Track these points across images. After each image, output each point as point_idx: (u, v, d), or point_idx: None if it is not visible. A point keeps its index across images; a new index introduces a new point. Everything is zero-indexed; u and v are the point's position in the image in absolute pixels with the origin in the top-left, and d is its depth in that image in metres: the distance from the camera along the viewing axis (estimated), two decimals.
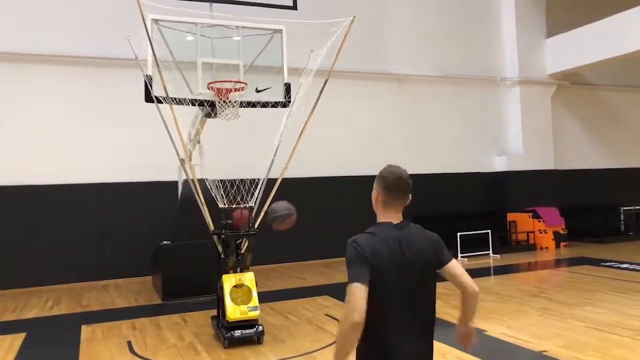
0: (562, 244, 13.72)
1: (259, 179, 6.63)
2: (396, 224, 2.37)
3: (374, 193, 2.46)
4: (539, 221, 13.68)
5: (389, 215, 2.40)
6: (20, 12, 10.59)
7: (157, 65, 6.01)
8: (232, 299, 6.02)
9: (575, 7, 15.36)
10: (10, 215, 10.27)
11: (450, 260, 2.43)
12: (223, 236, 6.27)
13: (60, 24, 10.72)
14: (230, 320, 5.95)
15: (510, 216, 14.17)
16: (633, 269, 10.08)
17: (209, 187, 6.42)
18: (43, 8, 10.69)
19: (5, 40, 10.35)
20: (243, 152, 9.46)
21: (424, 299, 2.35)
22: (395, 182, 2.40)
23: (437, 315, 2.42)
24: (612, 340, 5.72)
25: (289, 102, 6.89)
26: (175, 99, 6.20)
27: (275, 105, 6.91)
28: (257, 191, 6.51)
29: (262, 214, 6.58)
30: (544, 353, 5.38)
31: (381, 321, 2.23)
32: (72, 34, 10.76)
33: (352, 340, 2.17)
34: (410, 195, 2.43)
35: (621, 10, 12.73)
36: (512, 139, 15.15)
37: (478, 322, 6.56)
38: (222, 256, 6.34)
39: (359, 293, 2.16)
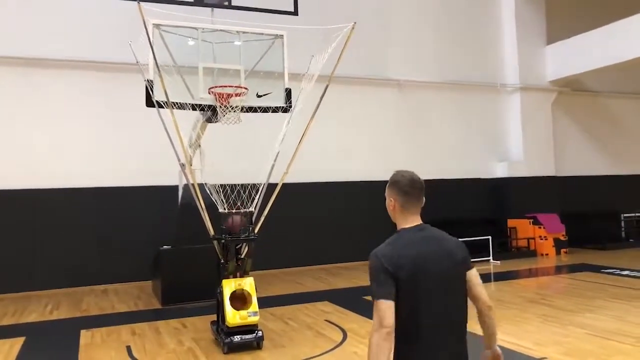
0: (562, 250, 13.69)
1: (259, 184, 6.63)
2: (417, 225, 2.36)
3: (389, 202, 2.42)
4: (540, 227, 13.66)
5: (409, 220, 2.38)
6: (22, 17, 10.62)
7: (159, 69, 6.02)
8: (232, 304, 6.00)
9: (575, 15, 15.40)
10: (10, 219, 10.26)
11: (473, 266, 2.43)
12: (223, 241, 6.26)
13: (62, 29, 10.75)
14: (229, 326, 5.93)
15: (511, 222, 14.15)
16: (634, 276, 10.06)
17: (209, 192, 6.42)
18: (45, 13, 10.72)
19: (8, 45, 10.38)
20: (244, 157, 9.45)
21: (456, 302, 2.33)
22: (409, 184, 2.38)
23: None
24: (613, 347, 5.70)
25: (290, 107, 6.90)
26: (176, 103, 6.21)
27: (276, 110, 6.92)
28: (257, 196, 6.51)
29: (262, 219, 6.59)
30: None
31: (416, 327, 2.22)
32: (74, 39, 10.79)
33: (385, 350, 2.13)
34: (424, 198, 2.42)
35: (622, 18, 12.76)
36: (513, 145, 15.15)
37: (478, 328, 6.55)
38: (222, 261, 6.33)
39: (386, 309, 2.16)
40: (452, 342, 2.31)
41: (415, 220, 2.38)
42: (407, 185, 2.38)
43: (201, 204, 6.32)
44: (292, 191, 9.22)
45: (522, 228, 13.92)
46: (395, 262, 2.20)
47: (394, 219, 2.45)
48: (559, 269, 11.83)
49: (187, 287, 8.51)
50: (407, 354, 2.24)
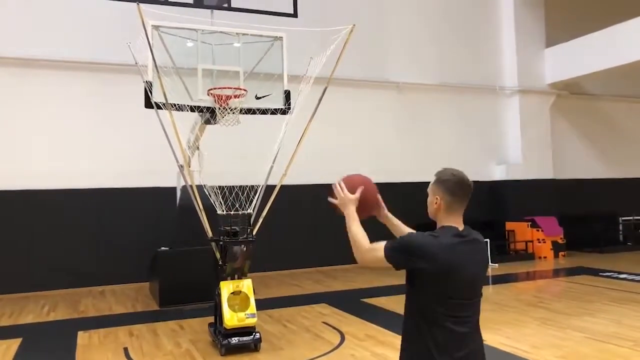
0: (560, 253, 13.70)
1: (257, 186, 6.63)
2: (462, 230, 2.34)
3: (432, 199, 2.37)
4: (538, 230, 13.67)
5: (451, 221, 2.35)
6: (21, 17, 10.62)
7: (157, 71, 6.02)
8: (230, 306, 6.00)
9: (574, 18, 15.42)
10: (8, 219, 10.25)
11: None
12: (221, 243, 6.25)
13: (61, 30, 10.75)
14: (227, 327, 5.92)
15: (509, 225, 14.16)
16: (632, 280, 10.06)
17: (207, 193, 6.41)
18: (43, 13, 10.72)
19: (7, 46, 10.38)
20: (242, 158, 9.46)
21: (479, 302, 2.36)
22: (459, 184, 2.34)
23: None
24: (611, 350, 5.70)
25: (289, 109, 6.90)
26: (175, 105, 6.20)
27: (274, 112, 6.92)
28: (255, 198, 6.51)
29: (261, 220, 6.59)
30: None
31: (452, 322, 2.22)
32: (72, 40, 10.79)
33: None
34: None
35: (621, 21, 12.80)
36: (511, 148, 15.17)
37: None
38: (220, 263, 6.32)
39: (381, 259, 2.24)
40: (477, 338, 2.34)
41: (460, 223, 2.36)
42: (455, 185, 2.34)
43: (199, 206, 6.32)
44: (290, 193, 9.21)
45: (520, 231, 13.93)
46: (427, 253, 2.19)
47: (434, 217, 2.41)
48: (557, 272, 11.84)
49: (185, 289, 8.50)
50: (443, 341, 2.22)
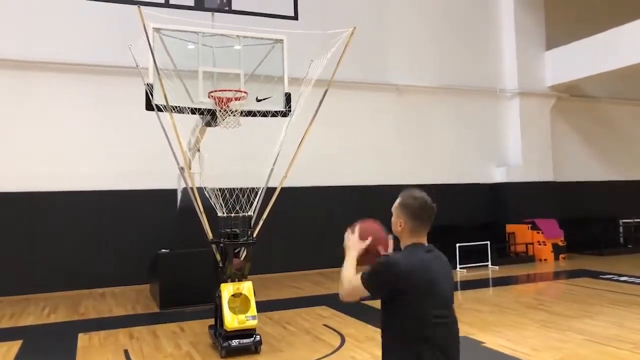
0: (561, 256, 13.70)
1: (258, 188, 6.63)
2: (427, 246, 2.42)
3: (396, 222, 2.44)
4: (538, 233, 13.66)
5: (417, 239, 2.42)
6: (21, 19, 10.64)
7: (158, 73, 6.03)
8: (230, 308, 6.00)
9: (575, 21, 15.44)
10: (8, 221, 10.26)
11: None
12: (222, 245, 6.26)
13: (61, 32, 10.77)
14: (228, 330, 5.92)
15: (509, 227, 14.15)
16: (632, 282, 10.06)
17: (208, 195, 6.42)
18: (44, 15, 10.74)
19: (7, 48, 10.39)
20: (243, 161, 9.47)
21: (454, 314, 2.44)
22: (421, 208, 2.41)
23: None
24: (611, 353, 5.70)
25: (289, 111, 6.91)
26: (175, 107, 6.22)
27: (275, 114, 6.93)
28: (256, 200, 6.51)
29: (261, 222, 6.59)
30: None
31: (427, 339, 2.29)
32: (73, 42, 10.81)
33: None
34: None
35: (620, 24, 12.81)
36: (512, 150, 15.18)
37: (476, 333, 6.55)
38: (221, 265, 6.33)
39: (362, 290, 2.33)
40: (456, 347, 2.45)
41: (423, 240, 2.43)
42: (417, 209, 2.40)
43: (200, 208, 6.32)
44: (290, 195, 9.21)
45: (521, 233, 13.92)
46: (408, 272, 2.27)
47: (399, 237, 2.48)
48: (557, 275, 11.83)
49: (185, 291, 8.50)
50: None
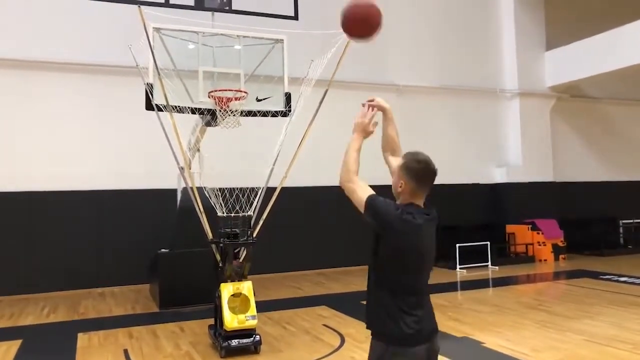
0: (561, 256, 13.70)
1: (258, 188, 6.63)
2: (425, 209, 2.52)
3: (397, 182, 2.52)
4: (538, 233, 13.66)
5: (415, 200, 2.52)
6: (21, 19, 10.64)
7: (158, 73, 6.03)
8: (230, 308, 5.99)
9: (575, 21, 15.44)
10: (7, 221, 10.25)
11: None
12: (221, 245, 6.25)
13: (61, 32, 10.76)
14: (227, 329, 5.92)
15: (509, 228, 14.14)
16: (632, 283, 10.06)
17: (208, 195, 6.42)
18: (44, 15, 10.74)
19: (8, 47, 10.39)
20: (243, 160, 9.47)
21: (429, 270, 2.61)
22: (424, 171, 2.49)
23: None
24: (611, 353, 5.70)
25: (289, 111, 6.91)
26: (175, 107, 6.21)
27: (275, 114, 6.93)
28: (256, 200, 6.51)
29: (261, 223, 6.59)
30: None
31: (411, 286, 2.48)
32: (73, 42, 10.80)
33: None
34: None
35: (620, 24, 12.81)
36: (512, 150, 15.18)
37: (476, 334, 6.55)
38: (220, 265, 6.32)
39: (358, 202, 2.48)
40: (427, 301, 2.58)
41: (420, 202, 2.52)
42: (420, 173, 2.48)
43: (200, 208, 6.32)
44: (290, 195, 9.21)
45: (521, 234, 13.92)
46: (400, 221, 2.40)
47: (397, 196, 2.56)
48: (557, 275, 11.83)
49: (185, 291, 8.50)
50: (401, 307, 2.46)
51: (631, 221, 15.78)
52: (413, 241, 2.42)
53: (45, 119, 10.67)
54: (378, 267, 2.50)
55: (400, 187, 2.49)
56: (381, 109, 2.86)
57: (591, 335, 6.40)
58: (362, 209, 2.46)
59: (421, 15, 14.23)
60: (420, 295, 2.51)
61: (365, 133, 2.70)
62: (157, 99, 6.21)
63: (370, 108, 2.71)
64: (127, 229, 10.91)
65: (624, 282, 10.19)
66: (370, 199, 2.44)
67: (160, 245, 9.11)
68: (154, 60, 6.13)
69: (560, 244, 13.78)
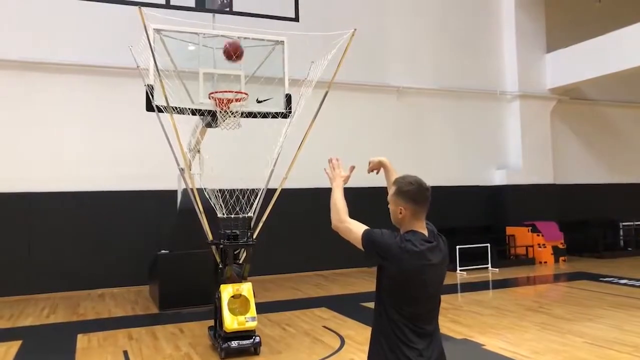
0: (561, 258, 13.69)
1: (258, 189, 6.63)
2: (427, 235, 2.46)
3: (396, 209, 2.47)
4: (538, 235, 13.66)
5: (417, 226, 2.46)
6: (22, 21, 10.64)
7: (159, 74, 6.03)
8: (230, 309, 5.99)
9: (575, 23, 15.45)
10: (8, 222, 10.25)
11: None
12: (221, 246, 6.25)
13: (61, 33, 10.77)
14: (227, 331, 5.92)
15: (510, 230, 14.14)
16: (632, 285, 10.05)
17: (208, 196, 6.42)
18: (44, 17, 10.74)
19: (8, 49, 10.39)
20: (243, 162, 9.47)
21: (438, 299, 2.53)
22: (419, 192, 2.45)
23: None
24: (611, 356, 5.69)
25: (290, 113, 6.91)
26: (176, 108, 6.21)
27: (275, 115, 6.93)
28: (256, 201, 6.51)
29: (261, 224, 6.59)
30: None
31: (413, 317, 2.39)
32: (73, 43, 10.81)
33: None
34: None
35: (620, 27, 12.82)
36: (512, 153, 15.18)
37: (476, 336, 6.54)
38: (220, 266, 6.32)
39: (355, 240, 2.45)
40: (432, 333, 2.47)
41: (422, 227, 2.47)
42: (416, 194, 2.44)
43: (200, 209, 6.32)
44: (290, 196, 9.21)
45: (521, 236, 13.92)
46: (398, 249, 2.35)
47: (398, 224, 2.51)
48: (557, 277, 11.82)
49: (184, 292, 8.49)
50: (404, 346, 2.39)
51: (631, 223, 15.76)
52: (413, 268, 2.35)
53: (45, 120, 10.66)
54: (381, 298, 2.45)
55: (401, 213, 2.44)
56: (378, 166, 2.94)
57: (591, 338, 6.39)
58: (360, 245, 2.43)
59: (422, 18, 14.24)
60: (423, 327, 2.41)
61: (342, 180, 2.72)
62: (158, 100, 6.21)
63: (337, 163, 2.79)
64: (127, 230, 10.91)
65: (624, 284, 10.18)
66: (366, 233, 2.43)
67: (160, 247, 9.11)
68: (154, 62, 6.13)
69: (561, 246, 13.77)
